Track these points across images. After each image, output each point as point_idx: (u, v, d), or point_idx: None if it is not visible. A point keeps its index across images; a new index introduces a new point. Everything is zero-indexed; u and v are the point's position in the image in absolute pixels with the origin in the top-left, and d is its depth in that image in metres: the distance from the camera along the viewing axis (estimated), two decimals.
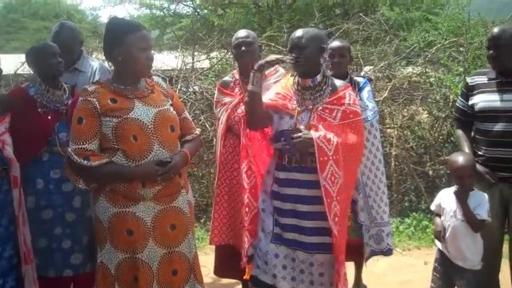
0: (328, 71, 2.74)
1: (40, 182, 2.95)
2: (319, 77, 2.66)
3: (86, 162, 2.51)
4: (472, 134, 3.28)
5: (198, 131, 2.88)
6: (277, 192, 2.74)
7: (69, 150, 2.56)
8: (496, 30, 3.10)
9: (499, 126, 3.04)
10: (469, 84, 3.23)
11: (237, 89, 3.47)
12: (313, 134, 2.57)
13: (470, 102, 3.20)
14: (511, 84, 3.04)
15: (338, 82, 2.75)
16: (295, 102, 2.69)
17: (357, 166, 2.78)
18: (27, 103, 2.97)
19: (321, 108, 2.64)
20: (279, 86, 2.83)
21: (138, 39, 2.55)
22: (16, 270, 2.87)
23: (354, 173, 2.74)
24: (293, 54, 2.61)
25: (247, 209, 2.98)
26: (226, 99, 3.46)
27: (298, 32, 2.66)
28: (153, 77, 2.78)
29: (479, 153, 3.15)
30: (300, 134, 2.58)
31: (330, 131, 2.59)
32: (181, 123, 2.75)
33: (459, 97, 3.40)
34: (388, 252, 3.48)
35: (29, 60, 3.11)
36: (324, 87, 2.66)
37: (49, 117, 2.97)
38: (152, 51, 2.64)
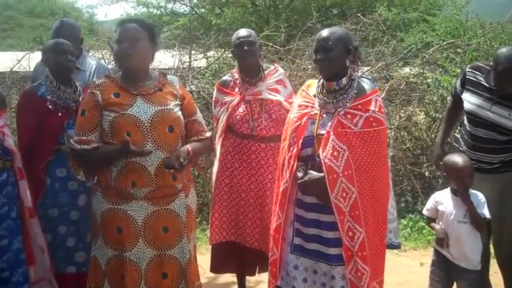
0: (356, 72, 2.55)
1: (46, 180, 2.97)
2: (344, 80, 2.48)
3: (75, 146, 2.55)
4: (459, 129, 3.42)
5: (208, 134, 2.80)
6: (301, 200, 2.58)
7: (71, 141, 2.60)
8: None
9: (481, 133, 3.12)
10: (467, 77, 3.23)
11: (237, 89, 3.45)
12: (321, 154, 2.43)
13: (462, 95, 3.24)
14: (503, 98, 3.04)
15: (366, 85, 2.56)
16: (317, 106, 2.55)
17: (383, 178, 2.51)
18: (36, 103, 2.98)
19: (343, 112, 2.46)
20: (299, 96, 2.69)
21: (116, 33, 2.60)
22: (24, 265, 2.87)
23: (381, 186, 2.50)
24: (318, 56, 2.47)
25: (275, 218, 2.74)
26: (227, 99, 3.45)
27: (325, 32, 2.49)
28: (168, 75, 2.74)
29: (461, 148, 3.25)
30: (305, 178, 2.47)
31: (346, 140, 2.43)
32: (189, 125, 2.71)
33: (458, 78, 3.43)
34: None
35: (43, 56, 3.14)
36: (349, 90, 2.51)
37: (59, 114, 2.98)
38: (130, 45, 2.51)
